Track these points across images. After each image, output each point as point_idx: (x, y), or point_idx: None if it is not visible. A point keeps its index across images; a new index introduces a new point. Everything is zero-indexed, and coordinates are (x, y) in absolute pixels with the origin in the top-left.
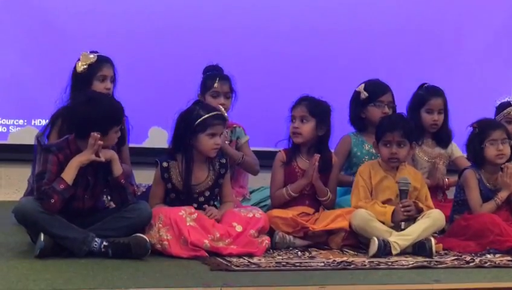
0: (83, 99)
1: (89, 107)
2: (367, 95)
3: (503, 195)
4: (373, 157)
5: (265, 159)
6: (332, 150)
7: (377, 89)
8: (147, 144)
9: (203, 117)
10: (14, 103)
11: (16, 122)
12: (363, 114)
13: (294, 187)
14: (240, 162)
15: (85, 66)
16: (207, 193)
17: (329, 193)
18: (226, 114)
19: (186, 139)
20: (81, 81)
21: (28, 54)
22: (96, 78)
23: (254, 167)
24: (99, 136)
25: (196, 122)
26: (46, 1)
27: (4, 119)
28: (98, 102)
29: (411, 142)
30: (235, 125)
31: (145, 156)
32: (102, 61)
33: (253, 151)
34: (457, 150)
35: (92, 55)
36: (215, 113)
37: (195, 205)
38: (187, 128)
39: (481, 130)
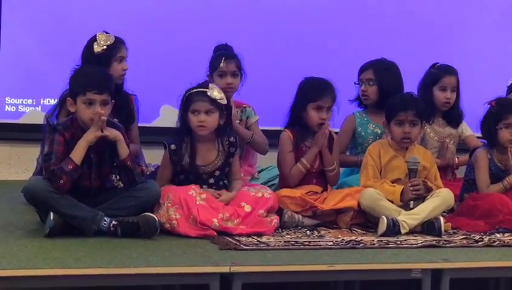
0: None
1: (73, 73)
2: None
3: (511, 179)
4: (377, 138)
5: (274, 138)
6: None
7: (360, 68)
8: (158, 122)
9: (186, 94)
10: (23, 82)
11: (25, 101)
12: None
13: (307, 158)
14: (250, 142)
15: (104, 47)
16: (217, 173)
17: (335, 163)
18: (216, 92)
19: (184, 119)
20: (97, 62)
21: (37, 33)
22: (115, 59)
23: (264, 147)
24: (102, 112)
25: (182, 100)
26: None
27: (13, 99)
28: (79, 69)
29: (422, 121)
30: (244, 105)
31: (156, 136)
32: (119, 42)
33: (262, 130)
34: (467, 128)
35: (110, 37)
36: (197, 90)
37: (205, 186)
38: (181, 107)
39: (498, 111)
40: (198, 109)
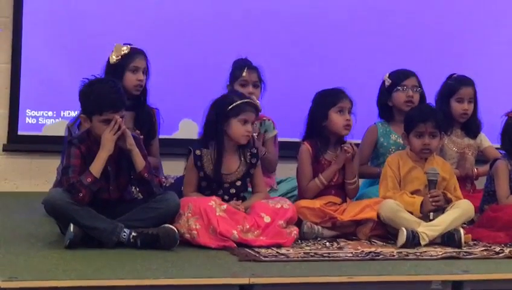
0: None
1: (83, 89)
2: (390, 81)
3: None
4: (400, 148)
5: (294, 150)
6: (359, 141)
7: (400, 74)
8: (176, 136)
9: (237, 102)
10: (43, 94)
11: (46, 113)
12: (390, 102)
13: (326, 175)
14: (260, 158)
15: (118, 57)
16: (238, 183)
17: (356, 176)
18: (259, 104)
19: (218, 125)
20: (113, 72)
21: (57, 45)
22: (129, 69)
23: (272, 166)
24: (119, 117)
25: (230, 107)
26: None
27: (34, 111)
28: (90, 86)
29: (441, 132)
30: (264, 118)
31: (174, 147)
32: (135, 52)
33: (282, 142)
34: (486, 140)
35: (124, 47)
36: (248, 100)
37: (227, 197)
38: (220, 113)
39: None
40: (249, 119)
